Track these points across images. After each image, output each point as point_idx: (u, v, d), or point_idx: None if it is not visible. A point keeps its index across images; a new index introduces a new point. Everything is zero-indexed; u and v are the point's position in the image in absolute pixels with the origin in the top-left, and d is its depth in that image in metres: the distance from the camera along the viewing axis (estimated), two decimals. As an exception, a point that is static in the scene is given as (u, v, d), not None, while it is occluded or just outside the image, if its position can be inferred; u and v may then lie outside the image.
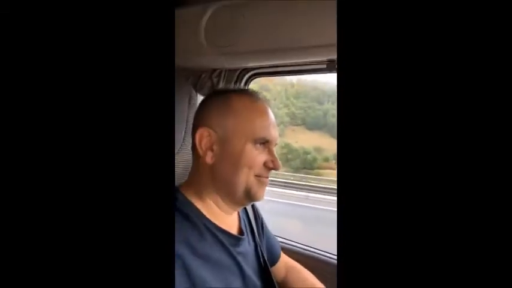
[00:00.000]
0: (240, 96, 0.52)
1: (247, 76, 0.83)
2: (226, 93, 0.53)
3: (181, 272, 0.41)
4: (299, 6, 0.50)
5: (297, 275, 0.66)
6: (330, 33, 0.46)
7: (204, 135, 0.49)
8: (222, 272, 0.46)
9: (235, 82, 0.82)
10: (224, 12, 0.56)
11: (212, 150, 0.49)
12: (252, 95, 0.53)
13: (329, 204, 4.75)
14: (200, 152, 0.49)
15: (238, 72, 0.81)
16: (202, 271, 0.43)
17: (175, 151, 0.72)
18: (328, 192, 5.50)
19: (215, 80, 0.78)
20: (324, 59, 0.63)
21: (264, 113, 0.51)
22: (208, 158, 0.49)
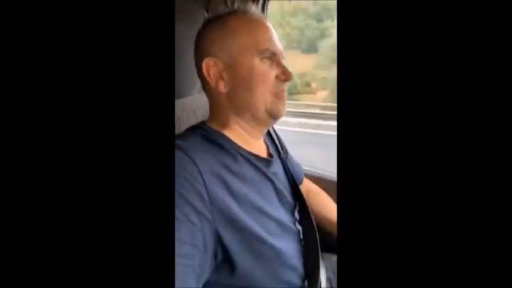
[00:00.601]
0: (235, 16, 0.52)
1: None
2: (220, 17, 0.52)
3: (220, 187, 0.43)
4: None
5: (317, 198, 0.70)
6: None
7: (210, 65, 0.49)
8: (259, 188, 0.49)
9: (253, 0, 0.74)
10: None
11: (223, 78, 0.49)
12: (246, 13, 0.53)
13: (297, 125, 5.51)
14: (211, 83, 0.50)
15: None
16: (240, 185, 0.45)
17: (198, 89, 0.68)
18: (297, 115, 6.16)
19: (229, 0, 0.74)
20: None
21: (263, 26, 0.51)
22: (222, 87, 0.50)
